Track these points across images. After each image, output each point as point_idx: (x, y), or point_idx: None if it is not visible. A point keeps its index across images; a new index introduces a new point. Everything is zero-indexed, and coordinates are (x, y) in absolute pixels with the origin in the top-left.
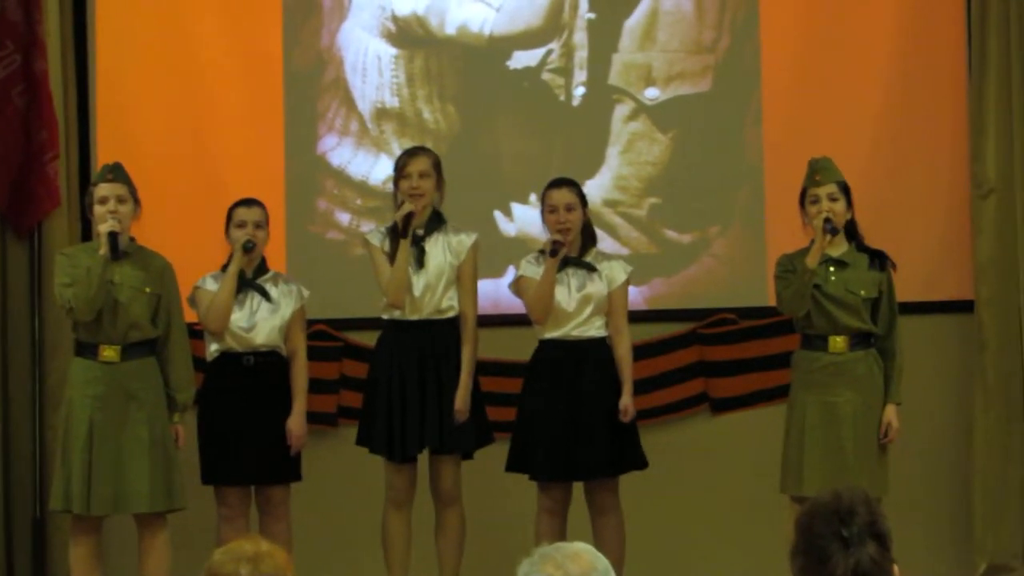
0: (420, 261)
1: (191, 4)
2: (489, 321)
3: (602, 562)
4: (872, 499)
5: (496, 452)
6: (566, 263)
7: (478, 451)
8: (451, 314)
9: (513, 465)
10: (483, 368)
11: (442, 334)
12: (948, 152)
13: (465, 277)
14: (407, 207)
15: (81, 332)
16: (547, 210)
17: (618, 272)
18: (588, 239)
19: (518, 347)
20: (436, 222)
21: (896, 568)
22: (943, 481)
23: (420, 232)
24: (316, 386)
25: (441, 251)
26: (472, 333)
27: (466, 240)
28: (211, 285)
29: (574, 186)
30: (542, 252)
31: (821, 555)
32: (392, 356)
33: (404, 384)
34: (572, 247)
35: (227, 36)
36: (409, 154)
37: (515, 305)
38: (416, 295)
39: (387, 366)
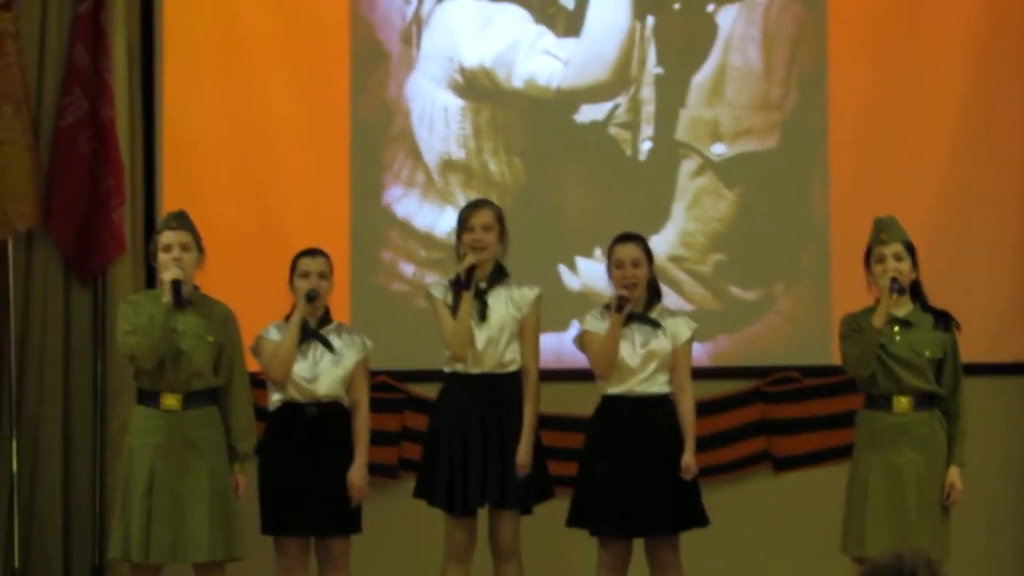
0: (482, 314)
1: (259, 53)
2: (552, 375)
3: None
4: (934, 561)
5: (557, 507)
6: (631, 319)
7: (538, 506)
8: (513, 368)
9: (574, 520)
10: (545, 422)
11: (504, 388)
12: (1015, 212)
13: (528, 331)
14: (469, 259)
15: (143, 380)
16: (613, 265)
17: (683, 329)
18: (653, 295)
19: (580, 402)
20: (499, 275)
21: None
22: (1005, 545)
23: (483, 285)
24: (377, 438)
25: (504, 304)
26: (534, 387)
27: (529, 294)
28: (274, 335)
29: (641, 241)
30: (607, 307)
31: None
32: (454, 409)
33: (466, 437)
34: (637, 303)
35: (294, 85)
36: (472, 207)
37: (578, 360)
38: (479, 348)
39: (449, 419)
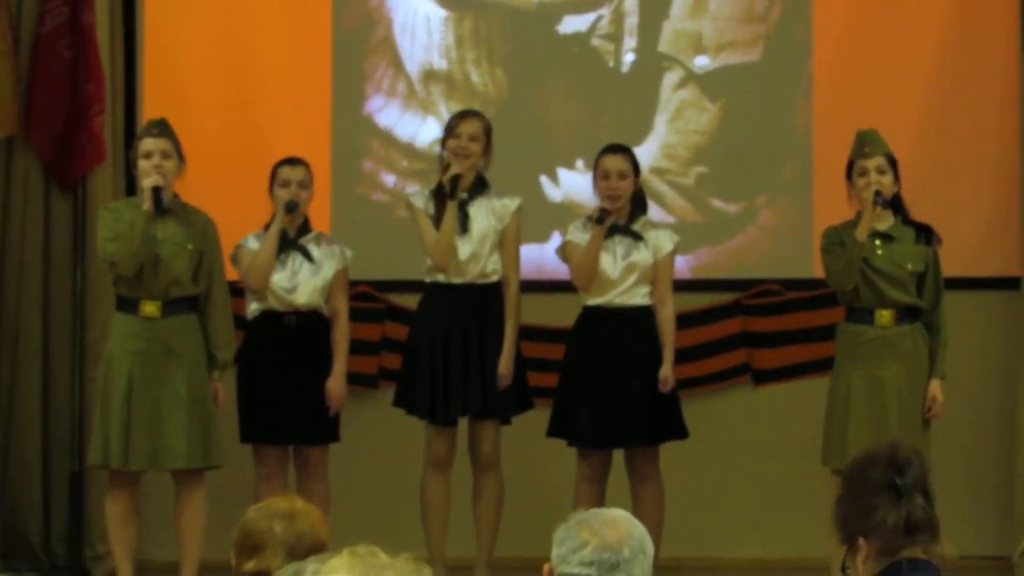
0: (464, 226)
1: None
2: (533, 287)
3: (638, 529)
4: (925, 458)
5: (536, 418)
6: (613, 230)
7: (518, 417)
8: (495, 278)
9: (553, 431)
10: (526, 333)
11: (486, 299)
12: (997, 127)
13: (509, 241)
14: (454, 169)
15: (122, 287)
16: (599, 176)
17: (665, 241)
18: (638, 207)
19: (562, 313)
20: (480, 187)
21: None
22: (985, 457)
23: (464, 196)
24: (357, 347)
25: (485, 215)
26: (515, 298)
27: (510, 204)
28: (253, 244)
29: (628, 153)
30: (590, 218)
31: (871, 503)
32: (435, 320)
33: (447, 348)
34: (621, 214)
35: None
36: (461, 115)
37: (560, 271)
38: (461, 259)
39: (430, 329)
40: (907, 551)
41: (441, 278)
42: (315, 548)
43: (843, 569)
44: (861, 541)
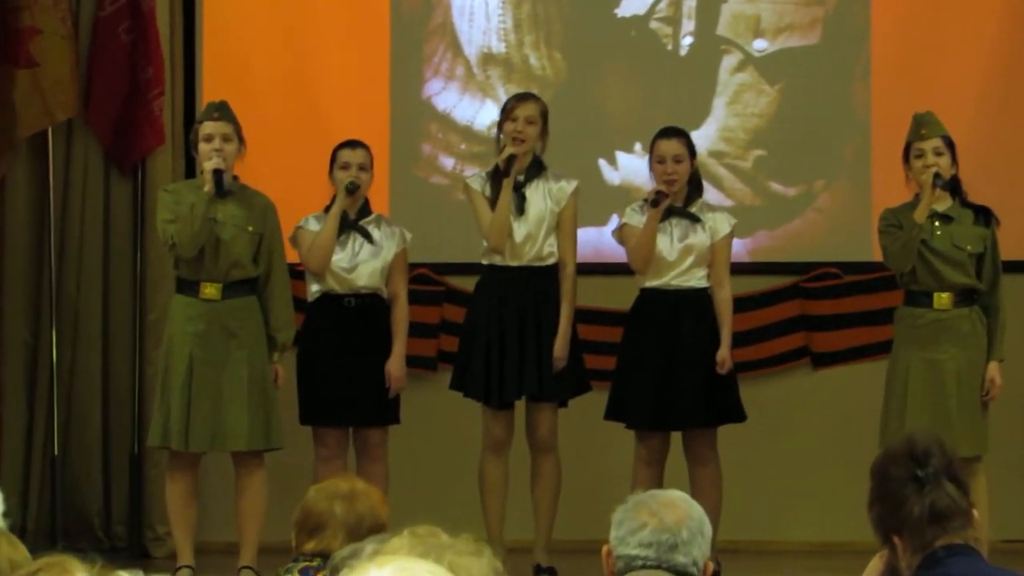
0: (521, 208)
1: None
2: (591, 269)
3: (696, 510)
4: (947, 443)
5: (594, 400)
6: (670, 213)
7: (575, 399)
8: (551, 261)
9: (611, 414)
10: (583, 316)
11: (542, 281)
12: None
13: (565, 224)
14: (509, 149)
15: (183, 269)
16: (655, 159)
17: (722, 224)
18: (695, 190)
19: (619, 295)
20: (537, 169)
21: (975, 512)
22: None
23: (521, 179)
24: (416, 330)
25: (542, 198)
26: (572, 280)
27: (567, 187)
28: (313, 226)
29: (684, 137)
30: (647, 200)
31: (896, 499)
32: (491, 302)
33: (503, 330)
34: (678, 197)
35: None
36: (518, 98)
37: (617, 253)
38: (517, 241)
39: (486, 312)
40: (941, 540)
41: (497, 260)
42: (375, 529)
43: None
44: (896, 539)
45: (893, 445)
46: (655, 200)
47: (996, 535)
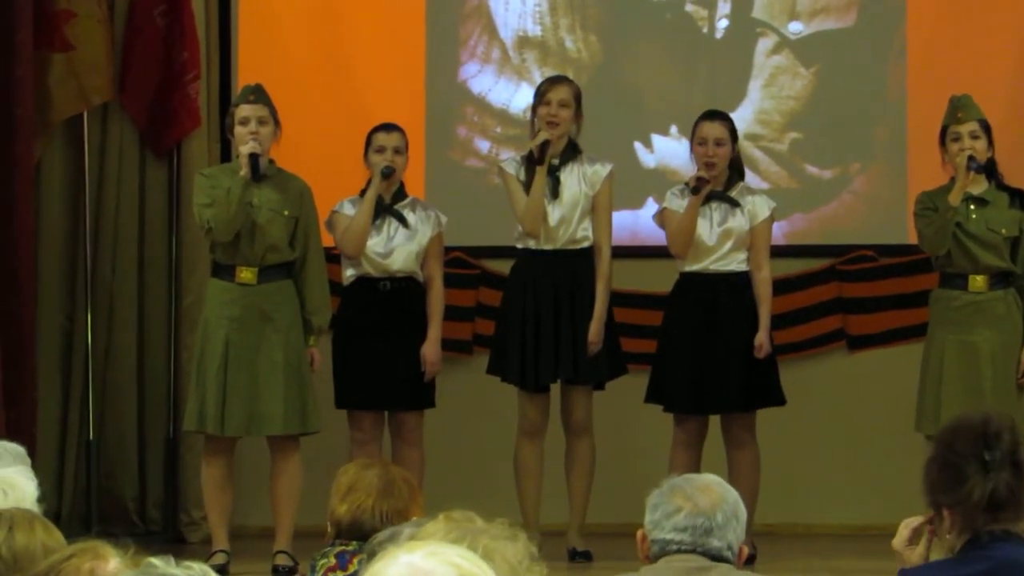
0: (555, 191)
1: None
2: (627, 252)
3: (732, 494)
4: (1016, 427)
5: (631, 383)
6: (711, 197)
7: (613, 383)
8: (586, 244)
9: (651, 397)
10: (621, 299)
11: (577, 264)
12: None
13: (600, 207)
14: (543, 135)
15: (219, 253)
16: (696, 142)
17: (761, 208)
18: (736, 173)
19: (657, 279)
20: (572, 152)
21: None
22: None
23: (555, 162)
24: (452, 313)
25: (576, 181)
26: (607, 264)
27: (601, 170)
28: (349, 209)
29: (727, 120)
30: (687, 185)
31: (957, 475)
32: (526, 286)
33: (538, 314)
34: (718, 181)
35: None
36: (551, 81)
37: (654, 236)
38: (551, 225)
39: (521, 296)
40: (991, 526)
41: (532, 244)
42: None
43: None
44: (946, 512)
45: (966, 418)
46: (696, 187)
47: None
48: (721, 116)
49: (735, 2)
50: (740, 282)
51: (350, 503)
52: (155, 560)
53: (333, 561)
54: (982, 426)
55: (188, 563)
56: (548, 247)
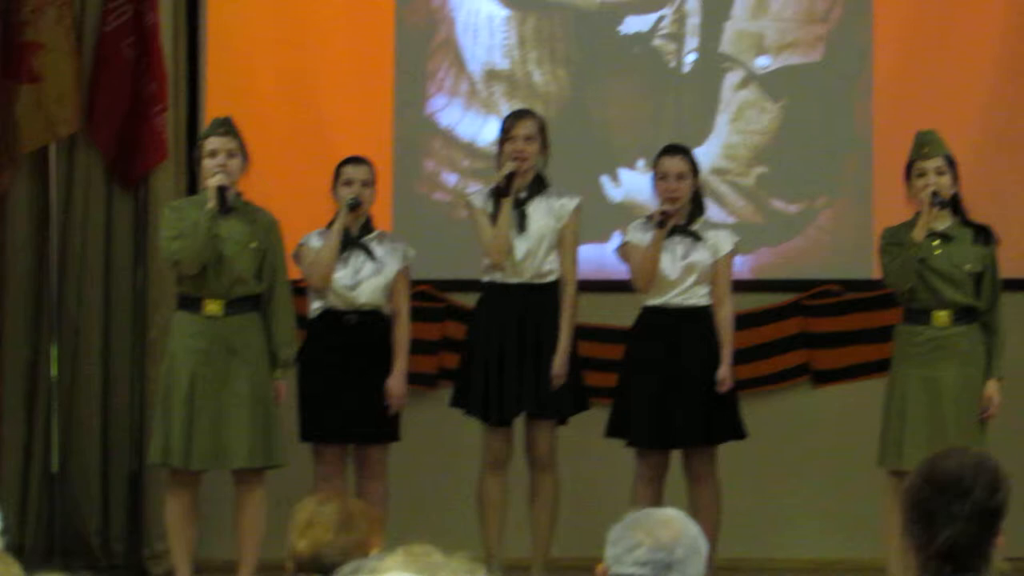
0: (522, 224)
1: None
2: (593, 286)
3: (692, 528)
4: (999, 471)
5: (594, 418)
6: (673, 231)
7: (575, 417)
8: (552, 278)
9: (612, 431)
10: (585, 333)
11: (542, 298)
12: None
13: (567, 241)
14: (509, 166)
15: (185, 286)
16: (658, 176)
17: (724, 242)
18: (697, 207)
19: (622, 313)
20: (538, 185)
21: (1002, 539)
22: None
23: (522, 195)
24: (417, 347)
25: (543, 214)
26: (572, 297)
27: (568, 204)
28: (316, 242)
29: (687, 154)
30: (649, 218)
31: (926, 519)
32: (492, 319)
33: (503, 347)
34: (680, 215)
35: None
36: (515, 116)
37: (619, 271)
38: (517, 258)
39: (486, 328)
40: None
41: (498, 277)
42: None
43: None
44: (911, 550)
45: (943, 464)
46: (660, 221)
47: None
48: (682, 150)
49: (703, 37)
50: (703, 316)
51: (309, 538)
52: None
53: None
54: (957, 474)
55: None
56: (514, 280)
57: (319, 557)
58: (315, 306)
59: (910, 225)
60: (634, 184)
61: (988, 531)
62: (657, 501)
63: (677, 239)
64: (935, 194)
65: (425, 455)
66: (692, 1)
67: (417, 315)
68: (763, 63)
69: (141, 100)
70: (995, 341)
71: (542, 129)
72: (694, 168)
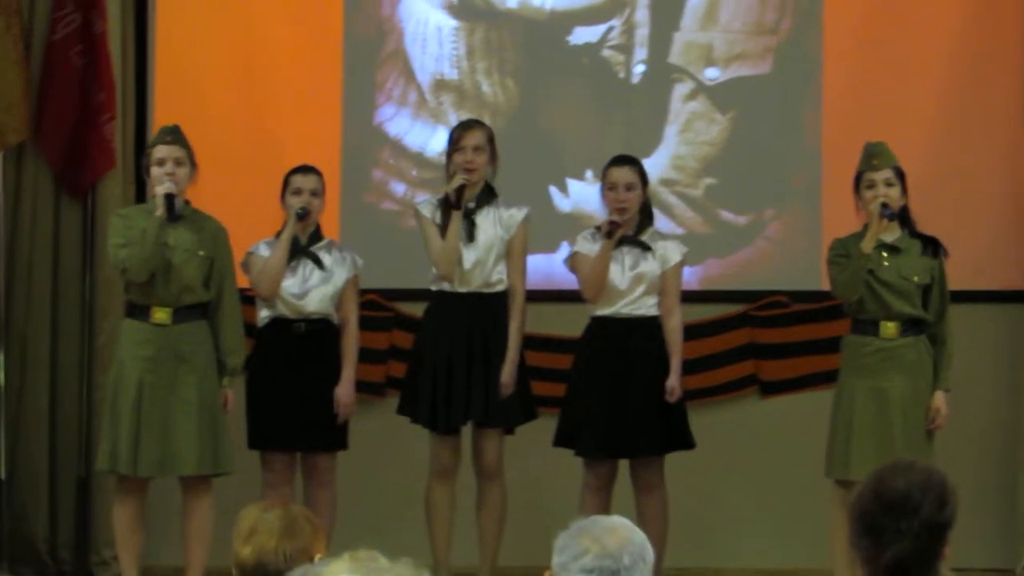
0: (470, 235)
1: None
2: (541, 296)
3: (638, 536)
4: (946, 485)
5: (541, 427)
6: (621, 241)
7: (523, 426)
8: (500, 288)
9: (560, 440)
10: (533, 343)
11: (490, 308)
12: (1006, 141)
13: (515, 251)
14: (459, 179)
15: (133, 293)
16: (606, 187)
17: (673, 253)
18: (646, 218)
19: (569, 323)
20: (487, 196)
21: (949, 550)
22: (989, 470)
23: (471, 205)
24: (365, 355)
25: (492, 225)
26: (520, 307)
27: (517, 214)
28: (264, 251)
29: (636, 165)
30: (598, 229)
31: (873, 533)
32: (440, 328)
33: (451, 356)
34: (629, 225)
35: (288, 2)
36: (464, 127)
37: (567, 281)
38: (466, 268)
39: (434, 337)
40: None
41: (446, 287)
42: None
43: None
44: (857, 560)
45: (891, 482)
46: (609, 231)
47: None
48: (631, 161)
49: (652, 48)
50: (651, 326)
51: (253, 545)
52: None
53: None
54: (905, 492)
55: None
56: (462, 289)
57: (263, 564)
58: (263, 315)
59: (859, 236)
60: (582, 195)
61: (936, 545)
62: (605, 510)
63: (626, 249)
64: (884, 205)
65: (373, 464)
66: (641, 12)
67: (365, 324)
68: (712, 74)
69: (90, 108)
70: (943, 352)
71: (491, 139)
72: (643, 179)
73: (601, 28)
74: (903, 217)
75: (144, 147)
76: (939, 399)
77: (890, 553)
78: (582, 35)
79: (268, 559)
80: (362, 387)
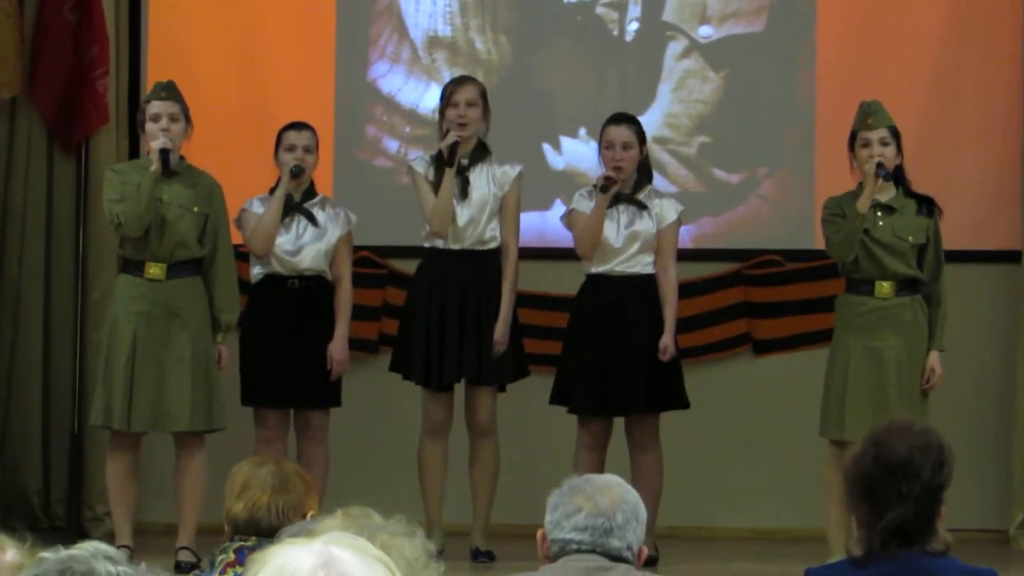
0: (464, 192)
1: None
2: (534, 254)
3: (632, 495)
4: (944, 447)
5: (536, 384)
6: (618, 199)
7: (517, 384)
8: (493, 245)
9: (555, 398)
10: (527, 301)
11: (484, 265)
12: (1001, 100)
13: (508, 208)
14: (453, 136)
15: (128, 249)
16: (603, 145)
17: (669, 211)
18: (644, 176)
19: (563, 280)
20: (481, 153)
21: (944, 509)
22: (984, 430)
23: (465, 162)
24: (359, 313)
25: (485, 182)
26: (513, 265)
27: (510, 171)
28: (258, 208)
29: (634, 123)
30: (595, 186)
31: (874, 497)
32: (432, 285)
33: (444, 313)
34: (626, 184)
35: None
36: (456, 83)
37: (561, 238)
38: (459, 225)
39: (427, 295)
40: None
41: (439, 244)
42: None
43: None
44: (855, 521)
45: (892, 444)
46: (604, 186)
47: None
48: (629, 119)
49: (646, 5)
50: (646, 285)
51: (245, 500)
52: (45, 553)
53: (232, 556)
54: (906, 457)
55: (80, 544)
56: (456, 247)
57: (256, 519)
58: (256, 271)
59: (853, 196)
60: (576, 152)
61: (934, 505)
62: (599, 469)
63: (622, 207)
64: (880, 165)
65: (366, 421)
66: None
67: (358, 281)
68: (706, 32)
69: (83, 63)
70: (938, 313)
71: (483, 95)
72: (641, 137)
73: None
74: (898, 176)
75: (138, 103)
76: (934, 359)
77: (891, 516)
78: None
79: (260, 515)
80: (355, 344)
